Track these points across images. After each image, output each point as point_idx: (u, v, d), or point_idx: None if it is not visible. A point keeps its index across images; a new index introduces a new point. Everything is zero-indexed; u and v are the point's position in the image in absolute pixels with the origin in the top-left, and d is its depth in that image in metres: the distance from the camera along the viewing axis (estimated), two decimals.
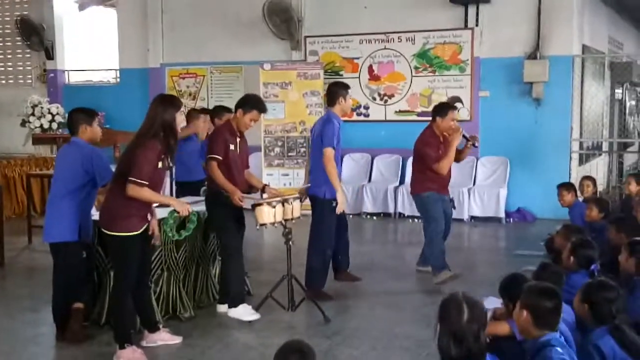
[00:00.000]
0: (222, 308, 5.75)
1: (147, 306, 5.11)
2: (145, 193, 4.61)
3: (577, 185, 7.84)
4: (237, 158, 5.69)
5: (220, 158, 5.58)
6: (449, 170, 6.72)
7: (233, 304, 5.64)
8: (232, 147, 5.64)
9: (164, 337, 5.09)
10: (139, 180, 4.56)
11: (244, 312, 5.61)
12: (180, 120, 4.83)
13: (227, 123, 5.83)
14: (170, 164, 4.86)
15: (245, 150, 5.86)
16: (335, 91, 6.29)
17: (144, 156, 4.59)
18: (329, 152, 6.04)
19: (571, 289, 4.32)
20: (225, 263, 5.70)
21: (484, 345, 2.79)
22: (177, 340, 5.13)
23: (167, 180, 8.07)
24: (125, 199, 4.60)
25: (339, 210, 6.10)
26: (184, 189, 7.34)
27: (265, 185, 6.01)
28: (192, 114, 7.53)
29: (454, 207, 7.09)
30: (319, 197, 6.16)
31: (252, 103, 5.73)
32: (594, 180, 7.90)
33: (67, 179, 5.11)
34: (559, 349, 3.09)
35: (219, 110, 7.38)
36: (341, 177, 6.38)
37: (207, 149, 5.71)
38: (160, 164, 4.69)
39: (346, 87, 6.35)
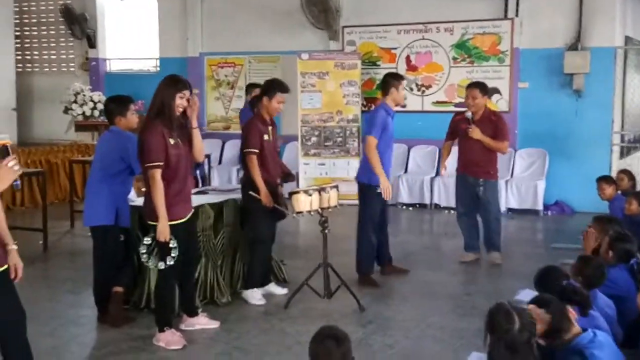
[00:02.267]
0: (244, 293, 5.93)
1: (190, 291, 5.18)
2: (158, 192, 4.56)
3: None
4: (271, 147, 5.78)
5: (258, 151, 5.66)
6: (467, 150, 7.01)
7: (248, 286, 5.82)
8: (266, 137, 5.72)
9: (202, 322, 5.18)
10: (152, 164, 4.57)
11: (255, 297, 5.78)
12: (179, 103, 4.67)
13: (257, 113, 5.87)
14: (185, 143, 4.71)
15: (276, 138, 5.95)
16: (388, 81, 6.37)
17: (147, 140, 4.60)
18: (370, 140, 6.16)
19: (610, 283, 4.29)
20: (253, 250, 5.83)
21: (535, 352, 2.81)
22: (214, 324, 5.21)
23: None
24: (167, 188, 4.63)
25: (385, 196, 6.16)
26: None
27: (290, 174, 6.19)
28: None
29: (480, 192, 6.99)
30: (364, 183, 6.28)
31: (274, 87, 5.79)
32: (629, 174, 7.72)
33: (104, 165, 5.22)
34: (594, 351, 3.05)
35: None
36: (390, 166, 6.39)
37: (243, 142, 5.77)
38: (172, 141, 4.64)
39: (399, 77, 6.42)
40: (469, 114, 6.93)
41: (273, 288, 6.03)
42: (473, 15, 10.37)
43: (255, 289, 5.83)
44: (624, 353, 3.85)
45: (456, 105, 10.53)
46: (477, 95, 6.88)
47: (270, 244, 6.00)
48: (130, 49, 13.75)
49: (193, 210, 4.97)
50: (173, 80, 4.78)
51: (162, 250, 4.71)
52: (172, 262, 4.70)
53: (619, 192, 7.40)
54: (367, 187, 6.25)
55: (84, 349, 4.97)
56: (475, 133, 6.82)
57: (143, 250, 4.74)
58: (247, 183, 5.76)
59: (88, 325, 5.38)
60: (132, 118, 5.30)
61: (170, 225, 4.67)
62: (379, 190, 6.17)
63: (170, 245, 4.68)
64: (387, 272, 6.58)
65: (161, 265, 4.74)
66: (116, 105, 5.31)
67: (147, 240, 4.72)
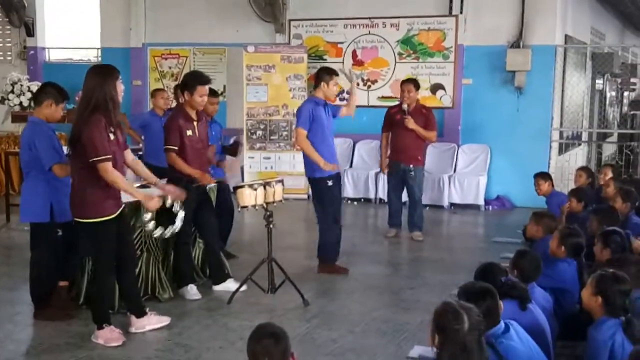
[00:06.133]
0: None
1: (133, 290, 5.03)
2: (117, 177, 4.51)
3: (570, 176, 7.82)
4: (196, 143, 5.63)
5: (176, 148, 5.55)
6: (400, 138, 7.83)
7: (182, 284, 5.77)
8: (189, 132, 5.59)
9: (152, 321, 4.98)
10: (101, 158, 4.44)
11: (189, 292, 5.73)
12: (121, 89, 4.63)
13: (180, 108, 5.71)
14: (121, 137, 4.67)
15: (205, 134, 5.83)
16: (319, 75, 6.45)
17: (92, 133, 4.44)
18: (298, 131, 6.29)
19: (557, 275, 4.39)
20: (178, 249, 5.74)
21: (485, 350, 2.82)
22: (165, 322, 5.05)
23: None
24: (94, 183, 4.50)
25: (328, 168, 6.23)
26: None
27: (219, 161, 6.33)
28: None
29: (411, 177, 7.89)
30: (311, 177, 6.38)
31: (192, 80, 5.66)
32: (588, 171, 7.78)
33: (26, 159, 5.07)
34: (502, 340, 3.09)
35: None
36: (330, 156, 6.39)
37: (164, 139, 5.65)
38: (111, 136, 4.54)
39: (331, 72, 6.44)
40: (405, 106, 7.77)
41: (232, 284, 5.88)
42: (418, 11, 10.45)
43: (190, 285, 5.76)
44: (561, 345, 3.95)
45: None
46: (412, 89, 7.80)
47: (217, 241, 5.96)
48: (70, 38, 13.39)
49: (124, 205, 4.81)
50: (107, 69, 4.66)
51: (168, 216, 4.88)
52: (181, 224, 5.07)
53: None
54: (316, 180, 6.32)
55: (19, 346, 4.82)
56: (410, 123, 7.68)
57: (150, 227, 4.91)
58: (171, 182, 5.61)
59: (24, 322, 5.23)
60: (59, 112, 5.13)
61: (101, 222, 4.56)
62: (330, 183, 6.28)
63: (174, 209, 4.92)
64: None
65: (176, 228, 5.05)
66: (58, 92, 5.13)
67: (146, 216, 4.86)
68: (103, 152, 4.46)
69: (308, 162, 6.32)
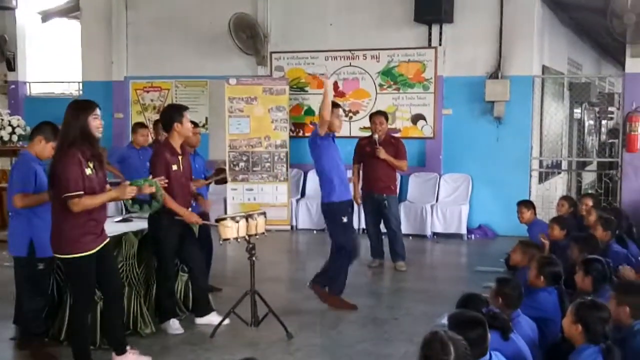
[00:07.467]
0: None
1: (117, 327, 4.96)
2: (86, 201, 4.44)
3: (547, 204, 7.88)
4: (180, 177, 5.60)
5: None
6: (372, 169, 7.97)
7: (164, 318, 5.71)
8: (174, 167, 5.55)
9: None
10: (72, 194, 4.40)
11: (172, 327, 5.67)
12: (96, 124, 4.56)
13: (166, 143, 5.67)
14: (100, 171, 4.62)
15: (189, 167, 5.83)
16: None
17: (66, 169, 4.41)
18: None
19: (538, 305, 4.40)
20: (160, 283, 5.71)
21: None
22: None
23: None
24: (74, 219, 4.46)
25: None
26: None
27: (198, 195, 6.10)
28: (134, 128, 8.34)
29: (385, 207, 8.02)
30: (324, 202, 6.38)
31: (176, 111, 5.68)
32: (570, 200, 7.87)
33: (10, 194, 5.08)
34: None
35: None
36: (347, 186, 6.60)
37: (150, 173, 5.58)
38: (88, 171, 4.49)
39: (336, 105, 6.63)
40: (376, 136, 7.95)
41: (215, 318, 5.82)
42: (398, 43, 10.58)
43: (172, 319, 5.70)
44: None
45: None
46: (383, 121, 8.03)
47: (202, 273, 5.94)
48: (51, 72, 13.40)
49: (108, 240, 4.77)
50: (82, 104, 4.65)
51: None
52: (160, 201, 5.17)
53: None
54: (327, 205, 6.35)
55: None
56: (382, 153, 7.86)
57: (134, 208, 5.12)
58: (152, 216, 5.59)
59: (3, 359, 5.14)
60: (49, 149, 5.05)
61: (79, 258, 4.50)
62: (344, 220, 6.32)
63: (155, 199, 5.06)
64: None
65: (143, 209, 5.18)
66: (51, 131, 5.08)
67: (128, 202, 5.04)
68: (74, 189, 4.41)
69: (325, 187, 6.35)
